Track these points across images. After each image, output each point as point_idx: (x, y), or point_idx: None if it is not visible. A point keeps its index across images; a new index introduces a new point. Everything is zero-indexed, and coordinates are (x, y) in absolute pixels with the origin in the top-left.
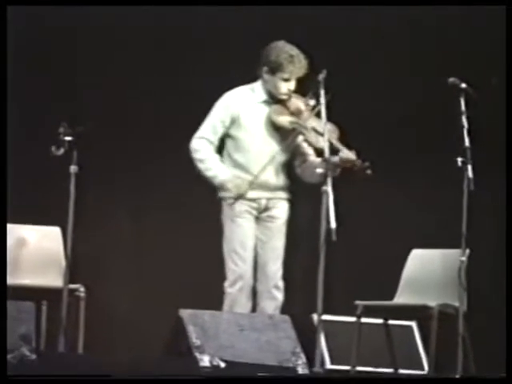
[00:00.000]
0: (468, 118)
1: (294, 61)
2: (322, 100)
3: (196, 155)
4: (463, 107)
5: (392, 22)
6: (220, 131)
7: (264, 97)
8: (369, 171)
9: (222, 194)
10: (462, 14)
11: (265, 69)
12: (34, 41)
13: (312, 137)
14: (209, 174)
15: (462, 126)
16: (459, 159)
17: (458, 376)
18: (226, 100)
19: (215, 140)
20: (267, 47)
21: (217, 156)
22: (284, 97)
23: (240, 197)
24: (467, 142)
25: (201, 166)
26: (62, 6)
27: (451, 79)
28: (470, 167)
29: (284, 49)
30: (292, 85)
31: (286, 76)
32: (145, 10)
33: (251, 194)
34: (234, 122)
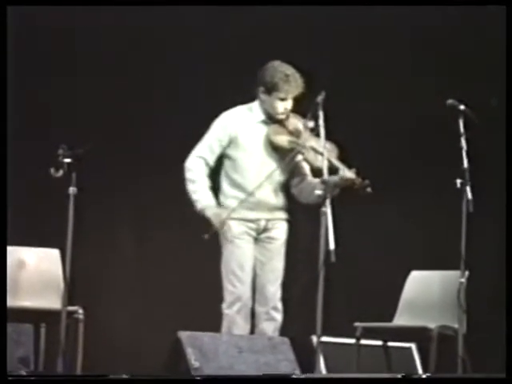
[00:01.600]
0: (467, 140)
1: (289, 80)
2: (321, 121)
3: (188, 174)
4: (462, 129)
5: (392, 28)
6: (217, 151)
7: (262, 117)
8: (369, 189)
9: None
10: (462, 14)
11: (261, 89)
12: (34, 41)
13: (311, 156)
14: (194, 196)
15: (461, 148)
16: (458, 181)
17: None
18: (224, 120)
19: (211, 160)
20: (262, 68)
21: (207, 180)
22: (281, 116)
23: (220, 227)
24: (466, 164)
25: (189, 186)
26: (62, 6)
27: (450, 101)
28: (468, 188)
29: (279, 68)
30: (289, 104)
31: (281, 95)
32: (144, 10)
33: (250, 215)
34: (231, 141)
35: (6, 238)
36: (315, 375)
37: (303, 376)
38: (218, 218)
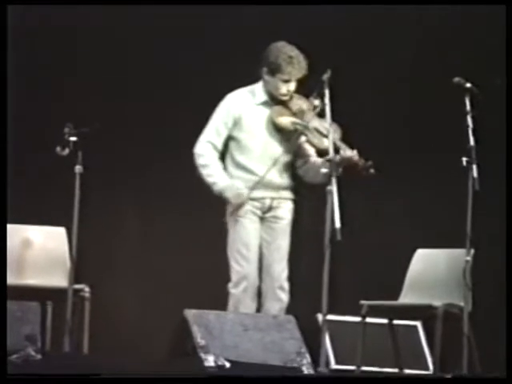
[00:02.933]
0: (473, 118)
1: (293, 62)
2: (327, 100)
3: (199, 160)
4: (468, 107)
5: (394, 21)
6: (224, 134)
7: (264, 98)
8: (372, 170)
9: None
10: (462, 13)
11: (264, 70)
12: (33, 40)
13: (314, 137)
14: (209, 180)
15: (467, 126)
16: (464, 159)
17: (459, 375)
18: (228, 102)
19: (219, 143)
20: (267, 48)
21: (220, 163)
22: (284, 98)
23: (239, 207)
24: (472, 142)
25: (203, 171)
26: (62, 6)
27: (456, 79)
28: (475, 167)
29: (283, 50)
30: (292, 85)
31: (285, 77)
32: (145, 9)
33: (255, 194)
34: (236, 123)
35: (6, 216)
36: (319, 375)
37: (305, 376)
38: (239, 198)
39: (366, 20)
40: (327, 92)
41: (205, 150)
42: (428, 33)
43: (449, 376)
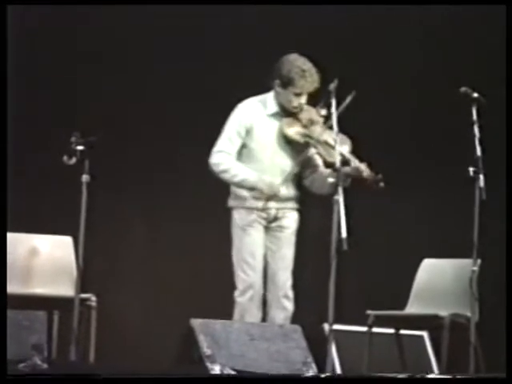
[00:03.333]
0: (480, 128)
1: (305, 75)
2: (334, 109)
3: (219, 168)
4: (475, 116)
5: (395, 22)
6: (237, 143)
7: (276, 109)
8: (382, 184)
9: (232, 203)
10: (462, 13)
11: (277, 82)
12: (33, 40)
13: (324, 150)
14: (237, 180)
15: (474, 136)
16: (471, 169)
17: (458, 376)
18: (240, 112)
19: (233, 151)
20: (279, 60)
21: (238, 163)
22: (295, 110)
23: (273, 197)
24: (479, 152)
25: (226, 175)
26: (62, 6)
27: (463, 89)
28: (481, 177)
29: (296, 63)
30: (303, 99)
31: (297, 91)
32: (145, 9)
33: (261, 204)
34: (248, 132)
35: (6, 225)
36: (317, 376)
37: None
38: (273, 188)
39: (367, 21)
40: (334, 102)
41: (220, 159)
42: (428, 34)
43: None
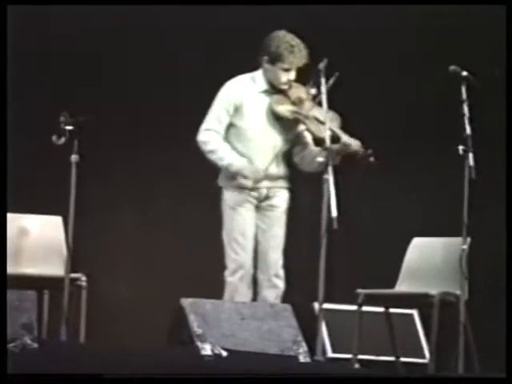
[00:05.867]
0: (469, 106)
1: (294, 51)
2: (323, 89)
3: (206, 147)
4: (464, 95)
5: (393, 18)
6: (225, 120)
7: (265, 86)
8: (371, 159)
9: (221, 183)
10: (462, 13)
11: (265, 58)
12: (34, 41)
13: (313, 126)
14: (223, 162)
15: (463, 115)
16: (460, 147)
17: (459, 372)
18: (228, 89)
19: (222, 130)
20: (268, 37)
21: (226, 144)
22: (284, 87)
23: (257, 183)
24: (468, 131)
25: (213, 156)
26: (62, 6)
27: (452, 67)
28: (471, 155)
29: (284, 39)
30: (292, 75)
31: (286, 66)
32: (144, 8)
33: (251, 183)
34: (236, 110)
35: (5, 205)
36: (315, 365)
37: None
38: (258, 174)
39: (365, 10)
40: (323, 81)
41: (209, 137)
42: (428, 32)
43: None
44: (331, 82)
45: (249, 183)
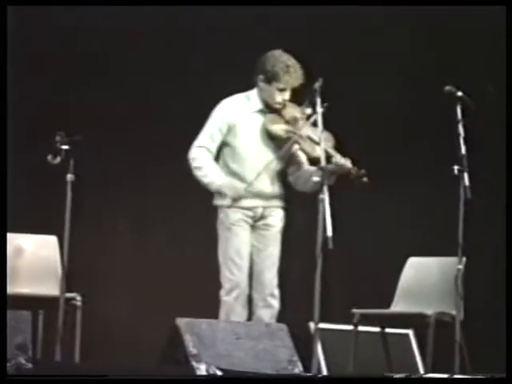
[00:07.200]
0: (464, 126)
1: (289, 71)
2: (319, 108)
3: (194, 163)
4: (459, 115)
5: (390, 22)
6: (218, 140)
7: (259, 106)
8: (365, 179)
9: (217, 202)
10: (462, 13)
11: (260, 77)
12: (34, 41)
13: (307, 145)
14: (205, 180)
15: (459, 134)
16: (456, 167)
17: (457, 376)
18: (223, 108)
19: (213, 148)
20: (263, 56)
21: (214, 163)
22: (279, 106)
23: (236, 201)
24: (463, 150)
25: (198, 173)
26: (62, 6)
27: (447, 87)
28: (466, 175)
29: (280, 58)
30: (287, 95)
31: (281, 86)
32: (143, 10)
33: (247, 203)
34: (230, 130)
35: (6, 226)
36: (311, 378)
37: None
38: (237, 193)
39: (363, 21)
40: (318, 101)
41: (198, 154)
42: (427, 33)
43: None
44: (325, 106)
45: (228, 202)
